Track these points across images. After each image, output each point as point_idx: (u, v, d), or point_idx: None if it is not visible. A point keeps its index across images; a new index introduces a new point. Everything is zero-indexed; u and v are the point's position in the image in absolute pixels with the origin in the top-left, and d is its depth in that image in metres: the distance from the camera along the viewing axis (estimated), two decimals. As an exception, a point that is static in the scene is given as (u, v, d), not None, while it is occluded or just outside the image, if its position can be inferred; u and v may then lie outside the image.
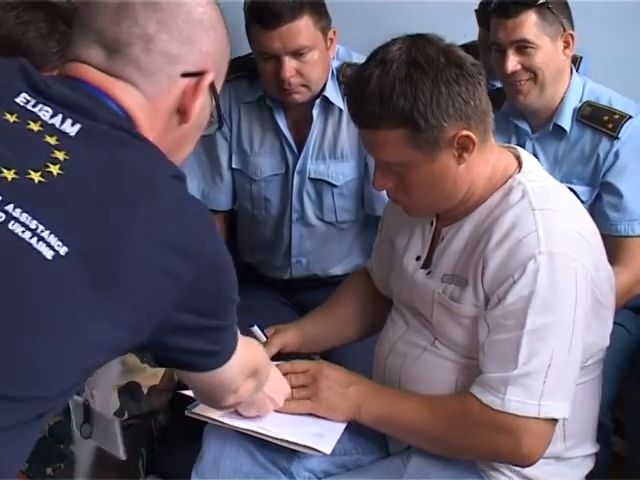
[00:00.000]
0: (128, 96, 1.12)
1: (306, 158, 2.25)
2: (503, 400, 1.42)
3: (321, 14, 2.07)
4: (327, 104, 2.18)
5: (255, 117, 2.27)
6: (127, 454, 1.87)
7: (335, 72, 2.18)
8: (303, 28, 2.02)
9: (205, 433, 1.59)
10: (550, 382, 1.42)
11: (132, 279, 1.01)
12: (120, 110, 1.11)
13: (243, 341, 1.30)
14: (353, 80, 1.52)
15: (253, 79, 2.21)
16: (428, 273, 1.57)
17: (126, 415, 1.95)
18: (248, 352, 1.35)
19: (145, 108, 1.13)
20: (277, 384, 1.52)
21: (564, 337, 1.44)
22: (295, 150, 2.25)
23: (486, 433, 1.46)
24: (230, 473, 1.54)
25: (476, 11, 2.43)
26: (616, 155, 2.10)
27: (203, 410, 1.53)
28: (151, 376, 1.99)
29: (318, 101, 2.17)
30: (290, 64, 2.03)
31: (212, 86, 1.17)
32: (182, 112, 1.15)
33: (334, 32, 2.11)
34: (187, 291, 1.05)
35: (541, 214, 1.44)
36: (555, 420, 1.45)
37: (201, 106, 1.16)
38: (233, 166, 2.31)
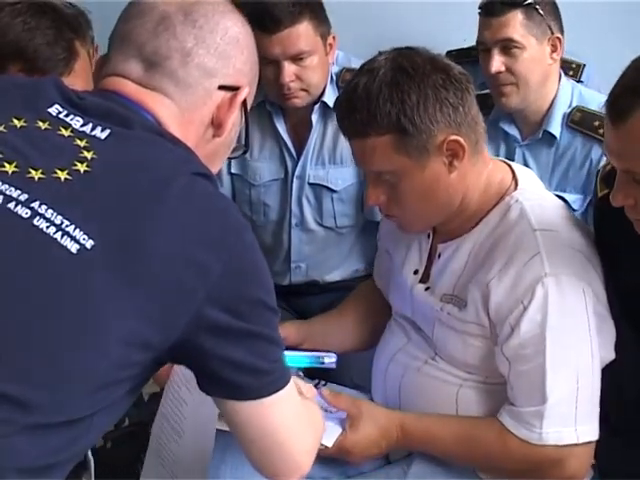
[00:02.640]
0: (162, 107, 1.15)
1: (305, 163, 2.25)
2: (540, 435, 1.42)
3: (321, 19, 2.07)
4: (326, 109, 2.16)
5: (255, 122, 2.20)
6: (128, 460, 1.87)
7: (334, 77, 2.19)
8: (303, 33, 2.02)
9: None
10: (581, 405, 1.43)
11: (158, 271, 1.02)
12: (153, 120, 1.13)
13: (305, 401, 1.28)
14: (341, 92, 1.53)
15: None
16: (427, 289, 1.56)
17: (127, 422, 1.96)
18: (310, 406, 1.32)
19: (178, 120, 1.15)
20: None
21: (585, 358, 1.44)
22: (294, 155, 2.24)
23: (530, 466, 1.47)
24: (228, 476, 1.54)
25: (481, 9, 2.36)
26: (600, 157, 2.09)
27: None
28: (153, 384, 1.88)
29: (317, 106, 2.17)
30: (290, 69, 2.03)
31: (244, 103, 1.20)
32: (217, 125, 1.19)
33: (333, 37, 2.11)
34: (216, 285, 1.05)
35: (542, 235, 1.44)
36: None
37: (233, 121, 1.19)
38: (232, 171, 2.31)
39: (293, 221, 2.29)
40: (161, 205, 1.04)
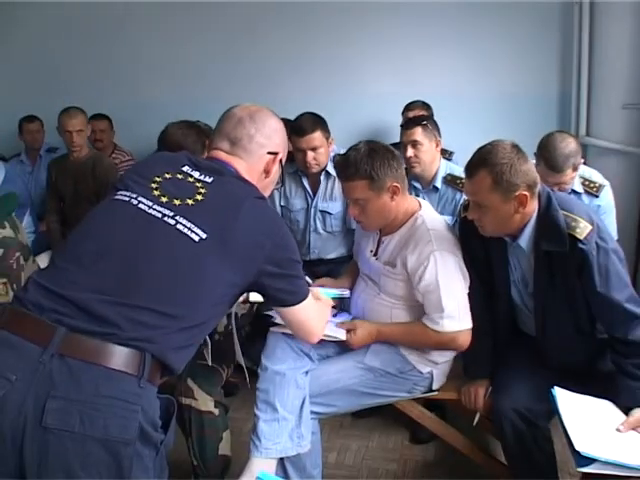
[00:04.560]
0: (239, 165, 1.45)
1: (317, 200, 3.04)
2: (443, 326, 1.96)
3: (326, 130, 2.93)
4: (328, 174, 3.02)
5: (292, 180, 3.08)
6: (228, 346, 2.21)
7: (332, 158, 2.94)
8: (317, 137, 2.87)
9: (268, 335, 2.10)
10: (460, 312, 1.97)
11: (240, 249, 1.30)
12: (234, 171, 1.44)
13: (318, 303, 1.58)
14: (340, 159, 2.04)
15: (292, 161, 2.96)
16: (377, 259, 2.10)
17: (229, 327, 2.27)
18: (320, 305, 1.63)
19: (247, 170, 1.46)
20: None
21: (460, 290, 1.96)
22: (312, 196, 3.05)
23: (438, 343, 1.99)
24: (280, 355, 2.04)
25: (401, 125, 3.16)
26: (460, 198, 2.82)
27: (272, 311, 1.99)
28: (242, 308, 2.35)
29: (323, 173, 3.02)
30: (310, 154, 2.88)
31: (280, 161, 1.52)
32: (266, 172, 1.49)
33: (332, 139, 2.98)
34: (270, 253, 1.35)
35: (432, 232, 1.99)
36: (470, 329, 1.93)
37: (275, 170, 1.50)
38: (281, 204, 3.12)
39: (311, 229, 3.07)
40: (240, 214, 1.31)
